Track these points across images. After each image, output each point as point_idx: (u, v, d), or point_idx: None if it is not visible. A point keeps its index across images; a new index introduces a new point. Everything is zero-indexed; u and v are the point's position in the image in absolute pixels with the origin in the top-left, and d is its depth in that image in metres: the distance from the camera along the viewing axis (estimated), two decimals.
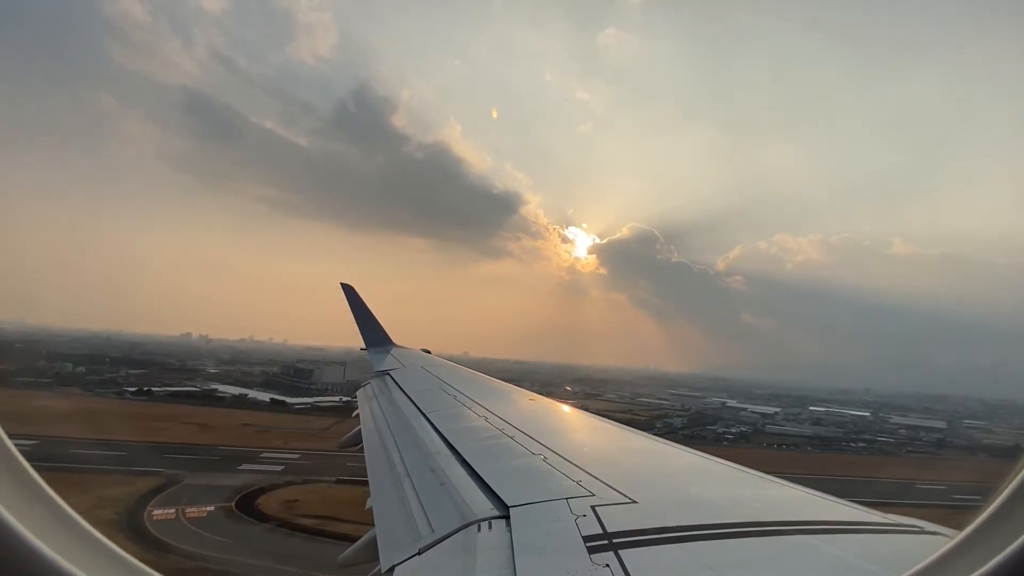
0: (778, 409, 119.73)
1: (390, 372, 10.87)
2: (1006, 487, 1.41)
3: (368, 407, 8.71)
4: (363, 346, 14.76)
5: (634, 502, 3.35)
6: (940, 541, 2.88)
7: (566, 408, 7.94)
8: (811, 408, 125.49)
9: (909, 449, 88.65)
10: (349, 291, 15.82)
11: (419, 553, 3.16)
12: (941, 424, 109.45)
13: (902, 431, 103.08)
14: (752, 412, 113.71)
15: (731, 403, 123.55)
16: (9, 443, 1.50)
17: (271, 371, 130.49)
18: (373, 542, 3.86)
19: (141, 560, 1.75)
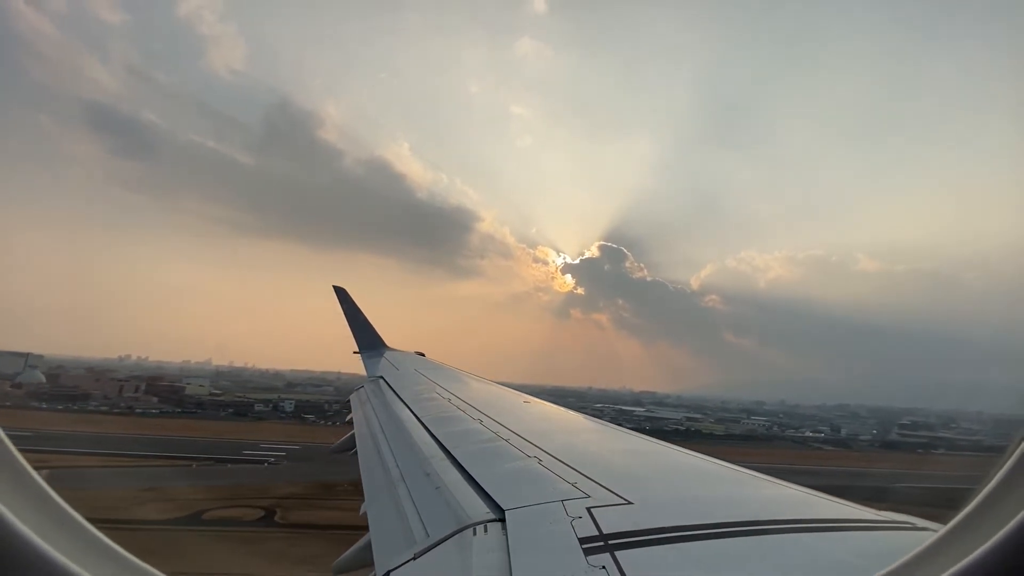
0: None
1: (383, 376, 10.87)
2: (989, 481, 1.44)
3: (362, 411, 8.69)
4: (355, 349, 14.79)
5: (629, 503, 3.37)
6: (931, 537, 2.92)
7: (561, 410, 7.94)
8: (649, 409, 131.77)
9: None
10: (342, 294, 15.90)
11: (414, 558, 3.15)
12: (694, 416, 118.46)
13: (673, 424, 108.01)
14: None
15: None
16: (9, 443, 1.50)
17: None
18: (368, 547, 3.85)
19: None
